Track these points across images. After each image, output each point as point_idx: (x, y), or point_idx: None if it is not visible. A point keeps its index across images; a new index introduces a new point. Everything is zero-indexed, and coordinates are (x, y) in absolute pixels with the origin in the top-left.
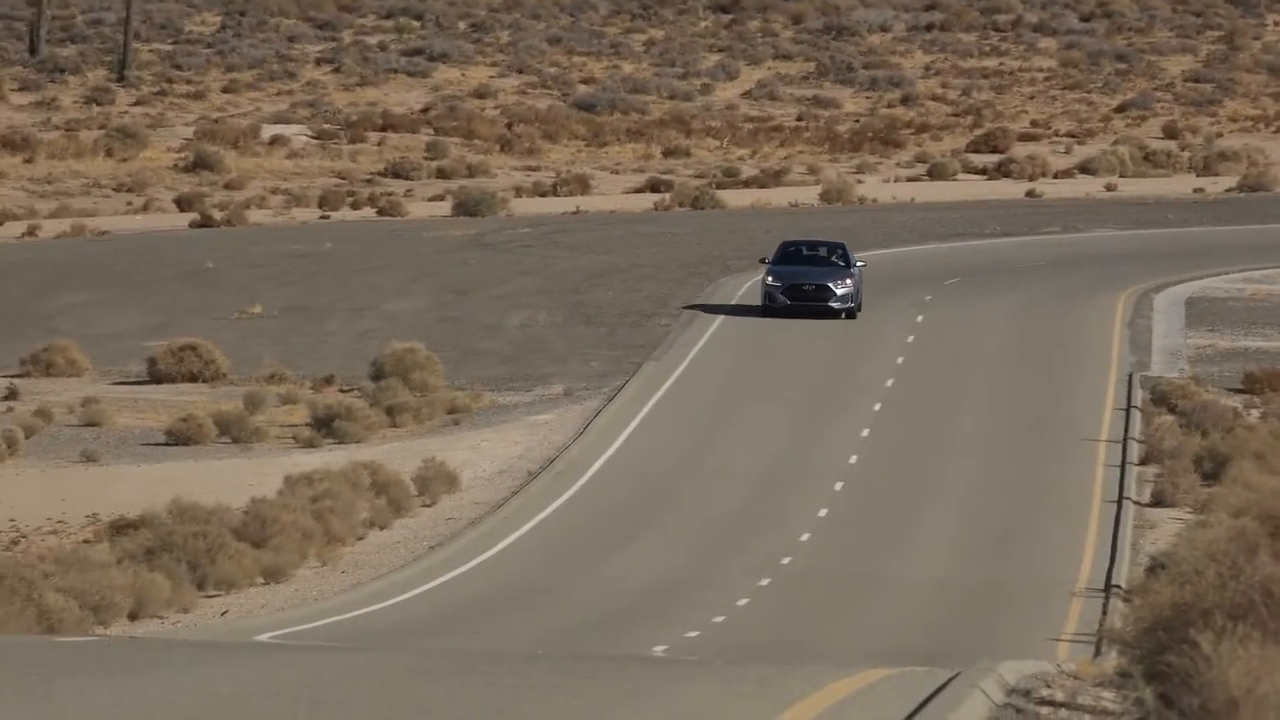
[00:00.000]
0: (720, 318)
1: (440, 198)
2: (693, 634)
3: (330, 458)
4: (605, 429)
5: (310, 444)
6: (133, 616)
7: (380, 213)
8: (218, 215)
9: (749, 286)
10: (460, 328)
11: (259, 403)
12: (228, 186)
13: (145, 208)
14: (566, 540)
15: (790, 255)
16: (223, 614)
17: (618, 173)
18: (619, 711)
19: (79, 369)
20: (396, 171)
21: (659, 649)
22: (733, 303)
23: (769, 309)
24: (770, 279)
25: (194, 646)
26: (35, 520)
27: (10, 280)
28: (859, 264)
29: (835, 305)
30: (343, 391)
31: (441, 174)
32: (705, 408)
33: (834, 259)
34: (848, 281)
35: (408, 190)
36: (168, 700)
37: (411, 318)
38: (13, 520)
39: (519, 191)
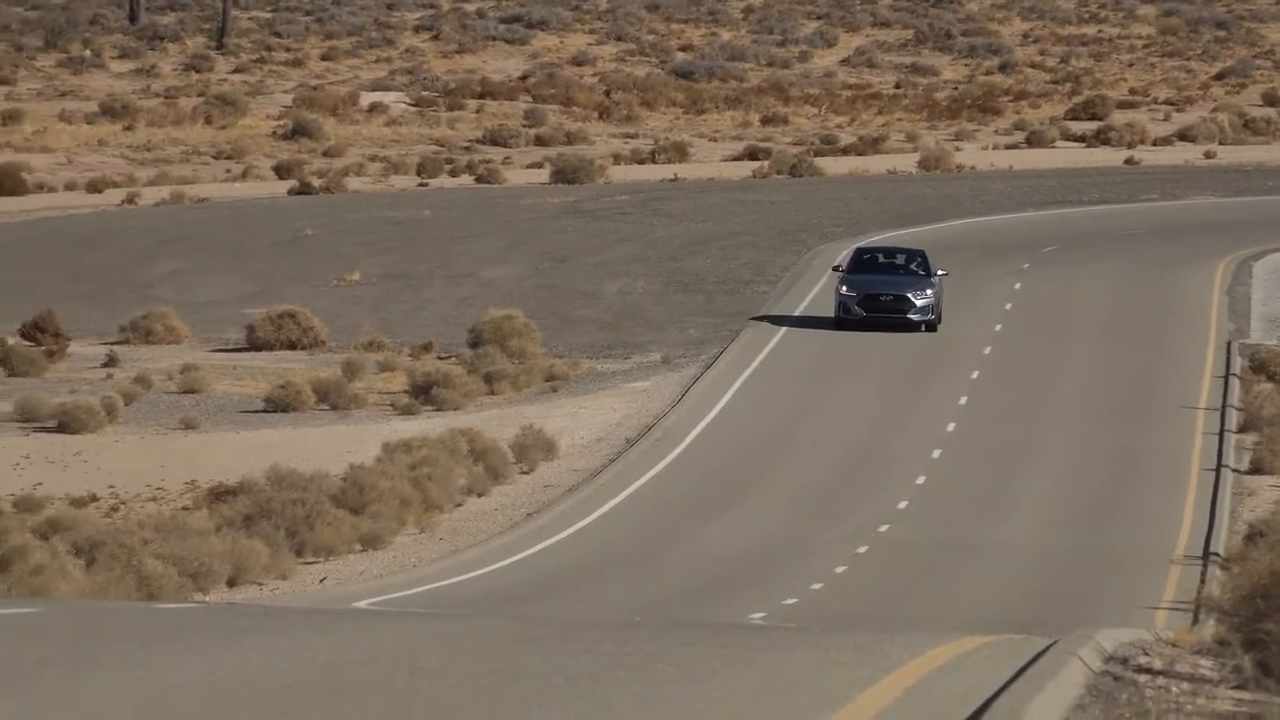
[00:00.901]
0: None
1: (538, 165)
2: (791, 601)
3: (428, 425)
4: (703, 396)
5: (408, 411)
6: (231, 583)
7: (478, 180)
8: (316, 182)
9: (846, 255)
10: (558, 295)
11: (357, 370)
12: (326, 154)
13: (244, 175)
14: (664, 507)
15: (866, 263)
16: (321, 581)
17: (716, 140)
18: (716, 679)
19: (178, 336)
20: (495, 139)
21: (757, 616)
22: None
23: (843, 320)
24: (844, 289)
25: (292, 613)
26: (134, 487)
27: (110, 247)
28: (940, 273)
29: (914, 317)
30: (441, 359)
31: (540, 141)
32: (803, 375)
33: (913, 268)
34: (928, 292)
35: (506, 157)
36: (266, 667)
37: (510, 285)
38: (112, 487)
39: (617, 159)
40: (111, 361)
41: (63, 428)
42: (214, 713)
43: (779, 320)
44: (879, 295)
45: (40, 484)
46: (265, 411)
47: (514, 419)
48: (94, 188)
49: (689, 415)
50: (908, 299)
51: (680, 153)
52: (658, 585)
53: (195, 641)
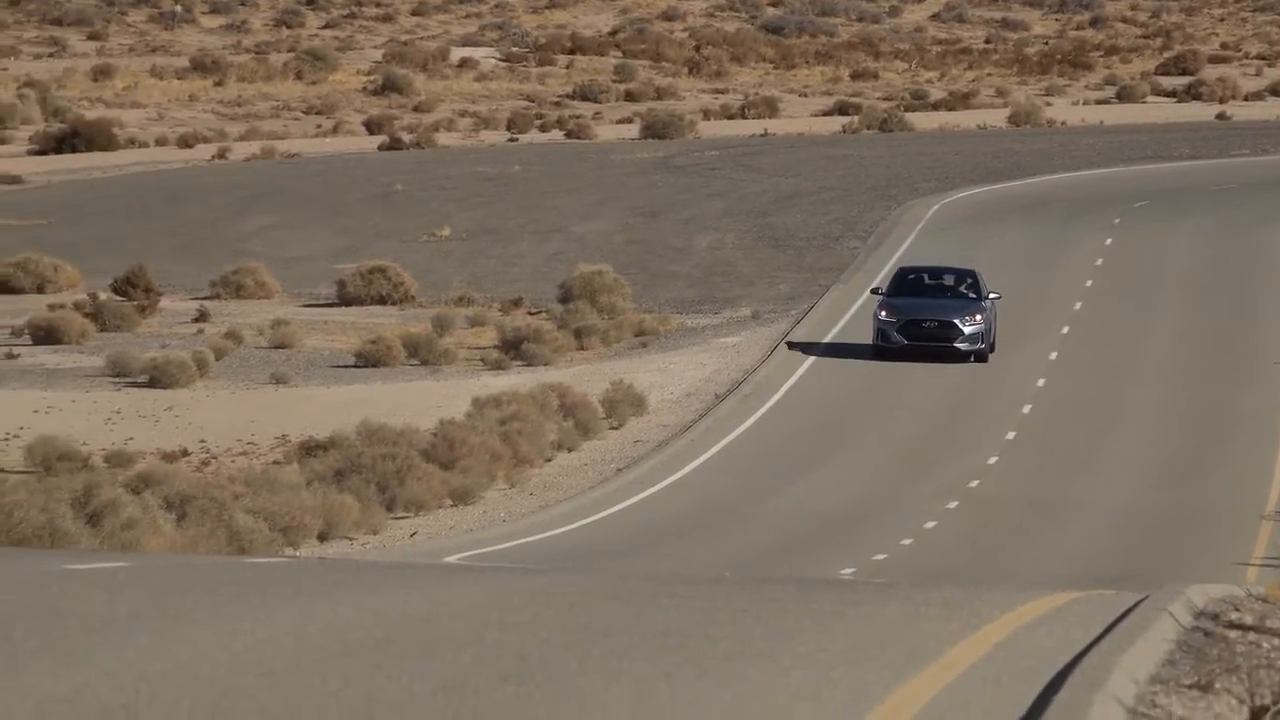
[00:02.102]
0: (908, 240)
1: (628, 120)
2: (880, 557)
3: (518, 380)
4: (793, 352)
5: (498, 366)
6: (322, 538)
7: (568, 135)
8: (406, 138)
9: (936, 211)
10: (648, 250)
11: (447, 325)
12: (416, 109)
13: (334, 130)
14: (754, 463)
15: (909, 285)
16: (411, 535)
17: (805, 95)
18: (806, 634)
19: (269, 291)
20: (584, 94)
21: (846, 572)
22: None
23: (881, 349)
24: (883, 313)
25: (383, 568)
26: (225, 442)
27: (201, 203)
28: (992, 295)
29: (962, 346)
30: (531, 314)
31: (629, 96)
32: None
33: (962, 289)
34: (977, 317)
35: (596, 113)
36: (356, 622)
37: (599, 240)
38: (203, 442)
39: (707, 114)
40: (203, 316)
41: (154, 383)
42: (304, 666)
43: (871, 275)
44: (922, 321)
45: (132, 439)
46: (356, 366)
47: (604, 374)
48: (185, 143)
49: (779, 371)
50: (954, 325)
51: (770, 108)
52: (747, 541)
53: (286, 596)
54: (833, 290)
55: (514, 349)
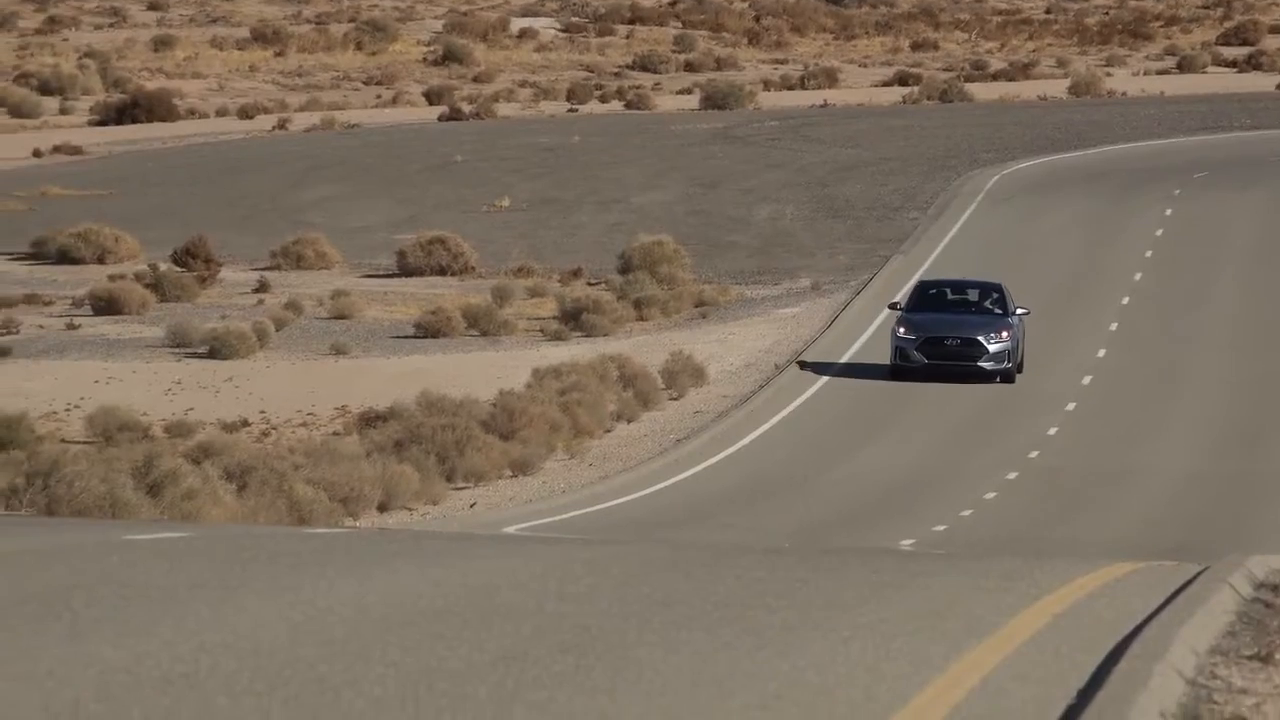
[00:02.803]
0: (968, 211)
1: (688, 91)
2: (940, 528)
3: (578, 350)
4: (852, 322)
5: (558, 337)
6: (382, 508)
7: (628, 106)
8: (466, 108)
9: (996, 181)
10: (708, 221)
11: (507, 296)
12: (476, 80)
13: (394, 101)
14: (814, 433)
15: (930, 300)
16: (471, 506)
17: (865, 66)
18: (865, 605)
19: (329, 261)
20: (644, 64)
21: (906, 543)
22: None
23: (899, 369)
24: (901, 330)
25: (442, 538)
26: (285, 412)
27: (261, 173)
28: (1020, 311)
29: (986, 366)
30: (590, 284)
31: (689, 67)
32: None
33: (987, 305)
34: (1004, 334)
35: (655, 83)
36: (416, 592)
37: (659, 211)
38: (263, 412)
39: (766, 85)
40: (263, 287)
41: (214, 353)
42: (364, 636)
43: (930, 246)
44: (943, 339)
45: (192, 409)
46: (415, 337)
47: (663, 345)
48: (245, 113)
49: (839, 341)
50: (978, 343)
51: (830, 78)
52: (807, 511)
53: (346, 566)
54: (893, 261)
55: (573, 320)
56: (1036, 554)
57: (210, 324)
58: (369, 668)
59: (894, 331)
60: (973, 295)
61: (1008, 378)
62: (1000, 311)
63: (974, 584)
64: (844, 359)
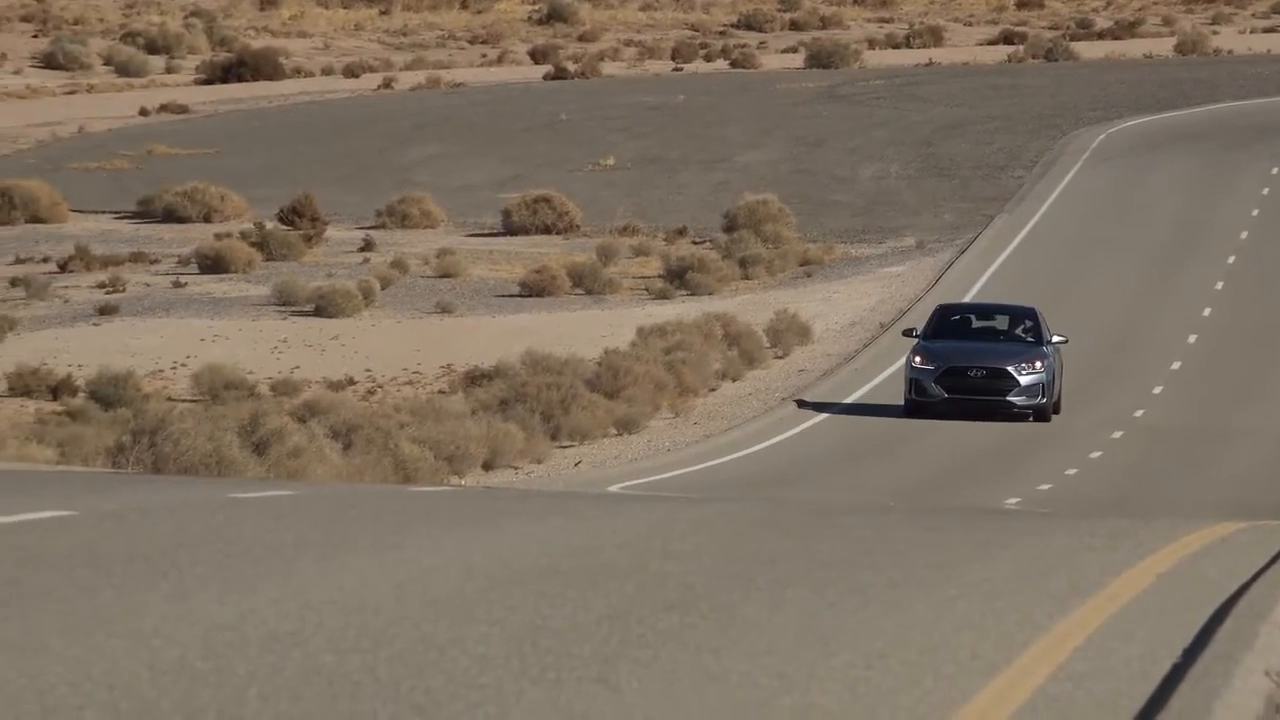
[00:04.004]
0: (1072, 171)
1: (793, 49)
2: (1045, 487)
3: (683, 309)
4: (957, 281)
5: (663, 295)
6: (487, 467)
7: (733, 65)
8: (571, 67)
9: (1101, 140)
10: (813, 180)
11: (612, 254)
12: (581, 39)
13: (500, 60)
14: None
15: (952, 326)
16: (576, 465)
17: (970, 25)
18: (970, 564)
19: (434, 220)
20: (749, 23)
21: (1011, 501)
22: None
23: (915, 406)
24: (917, 360)
25: (547, 497)
26: (391, 371)
27: (367, 132)
28: (1056, 338)
29: (1016, 400)
30: (695, 243)
31: (794, 26)
32: (1057, 260)
33: (1018, 332)
34: (1037, 364)
35: (760, 42)
36: (520, 550)
37: (764, 170)
38: (369, 370)
39: (871, 43)
40: (368, 246)
41: (320, 312)
42: (469, 595)
43: (1036, 205)
44: (966, 370)
45: (298, 367)
46: (520, 296)
47: (768, 303)
48: (350, 72)
49: (943, 300)
50: (1007, 375)
51: (935, 37)
52: (912, 470)
53: (451, 525)
54: (997, 220)
55: (678, 278)
56: (1141, 513)
57: (316, 282)
58: (473, 626)
59: (909, 362)
60: (1001, 322)
61: (1042, 415)
62: (1033, 340)
63: (1079, 543)
64: None
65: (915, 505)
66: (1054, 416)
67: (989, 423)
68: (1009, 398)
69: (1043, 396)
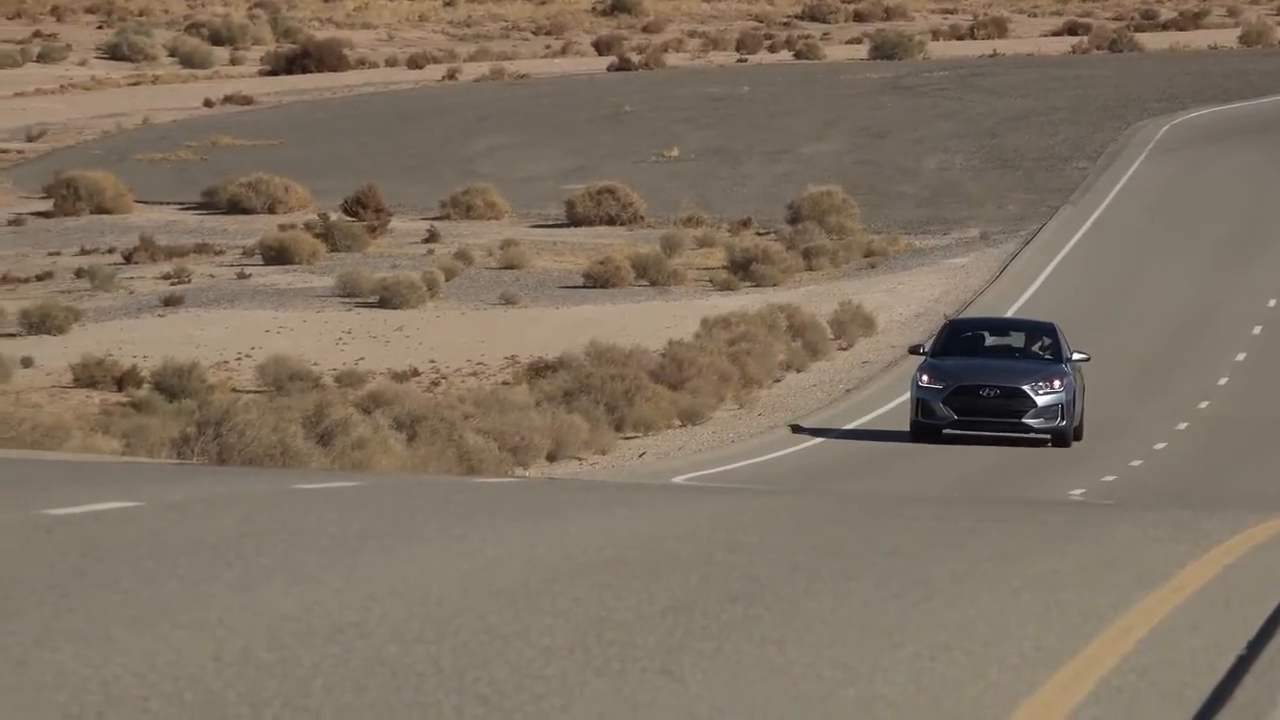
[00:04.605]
0: (1136, 162)
1: (857, 40)
2: (1110, 478)
3: (747, 300)
4: (1021, 273)
5: (727, 287)
6: (551, 458)
7: (797, 56)
8: (635, 58)
9: (1166, 131)
10: (877, 171)
11: (676, 245)
12: (645, 30)
13: (564, 51)
14: None
15: (963, 343)
16: (640, 456)
17: (1035, 15)
18: (1034, 556)
19: (498, 211)
20: (813, 14)
21: (1076, 493)
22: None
23: (921, 429)
24: (924, 378)
25: (612, 488)
26: (455, 362)
27: (431, 123)
28: (1077, 356)
29: (1034, 423)
30: (759, 234)
31: (858, 17)
32: (1122, 252)
33: (1035, 349)
34: (1055, 384)
35: (824, 33)
36: (584, 541)
37: (828, 161)
38: (433, 362)
39: (936, 34)
40: (432, 237)
41: (384, 303)
42: (533, 586)
43: (1100, 197)
44: (978, 389)
45: (362, 358)
46: (584, 287)
47: (832, 295)
48: (414, 63)
49: (1008, 291)
50: (1023, 395)
51: (999, 28)
52: (976, 462)
53: (515, 516)
54: (1062, 211)
55: (743, 269)
56: (1206, 504)
57: (380, 273)
58: (538, 617)
59: (915, 381)
60: (1017, 338)
61: (1061, 439)
62: (1051, 358)
63: (1144, 534)
64: (1015, 307)
65: (979, 497)
66: (1076, 442)
67: None
68: (1025, 420)
69: (1061, 419)
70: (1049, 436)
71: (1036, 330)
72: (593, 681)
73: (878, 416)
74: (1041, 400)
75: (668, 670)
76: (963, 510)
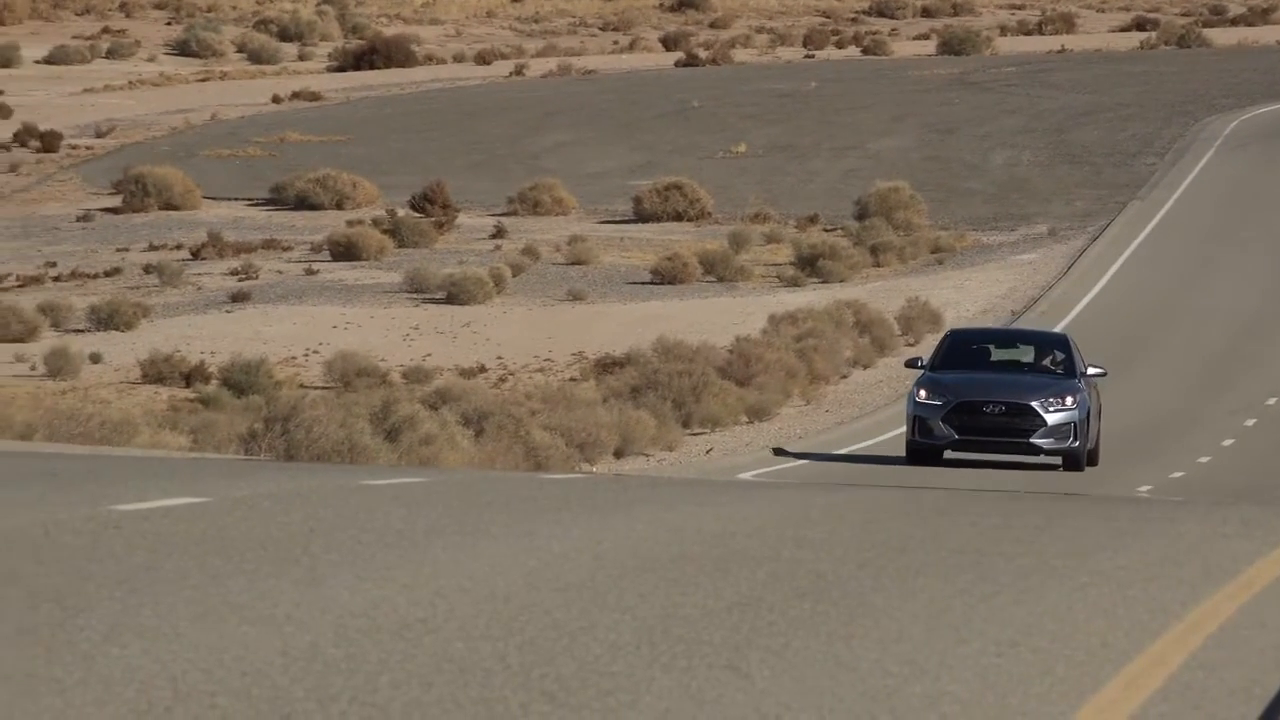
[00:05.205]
0: (1204, 159)
1: (925, 36)
2: (1177, 474)
3: (814, 296)
4: (1089, 268)
5: (794, 283)
6: (618, 454)
7: (864, 51)
8: (703, 54)
9: (1234, 127)
10: (944, 167)
11: (743, 241)
12: (713, 25)
13: (631, 46)
14: None
15: (965, 357)
16: (707, 452)
17: (1103, 11)
18: (1102, 552)
19: (565, 207)
20: (881, 10)
21: (1143, 489)
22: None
23: (918, 450)
24: (922, 393)
25: (679, 484)
26: (522, 358)
27: (498, 119)
28: (1093, 371)
29: (1043, 444)
30: (826, 230)
31: (926, 13)
32: (1189, 247)
33: (1046, 363)
34: (1068, 400)
35: (892, 29)
36: (651, 538)
37: (895, 157)
38: (500, 358)
39: (1003, 30)
40: (499, 233)
41: (451, 299)
42: (600, 582)
43: (1168, 193)
44: (981, 406)
45: (429, 354)
46: (652, 283)
47: (899, 291)
48: (482, 59)
49: (1075, 287)
50: (1031, 412)
51: (1067, 24)
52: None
53: (582, 512)
54: (1130, 207)
55: (810, 266)
56: (1275, 501)
57: (448, 269)
58: (604, 614)
59: (911, 396)
60: (1025, 352)
61: (1074, 462)
62: (1063, 373)
63: (1212, 530)
64: (1081, 304)
65: (1047, 492)
66: (1091, 468)
67: (1125, 407)
68: (1033, 439)
69: (1074, 439)
70: (1062, 459)
71: (1047, 342)
72: (659, 678)
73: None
74: (1052, 418)
75: (734, 666)
76: (1030, 506)
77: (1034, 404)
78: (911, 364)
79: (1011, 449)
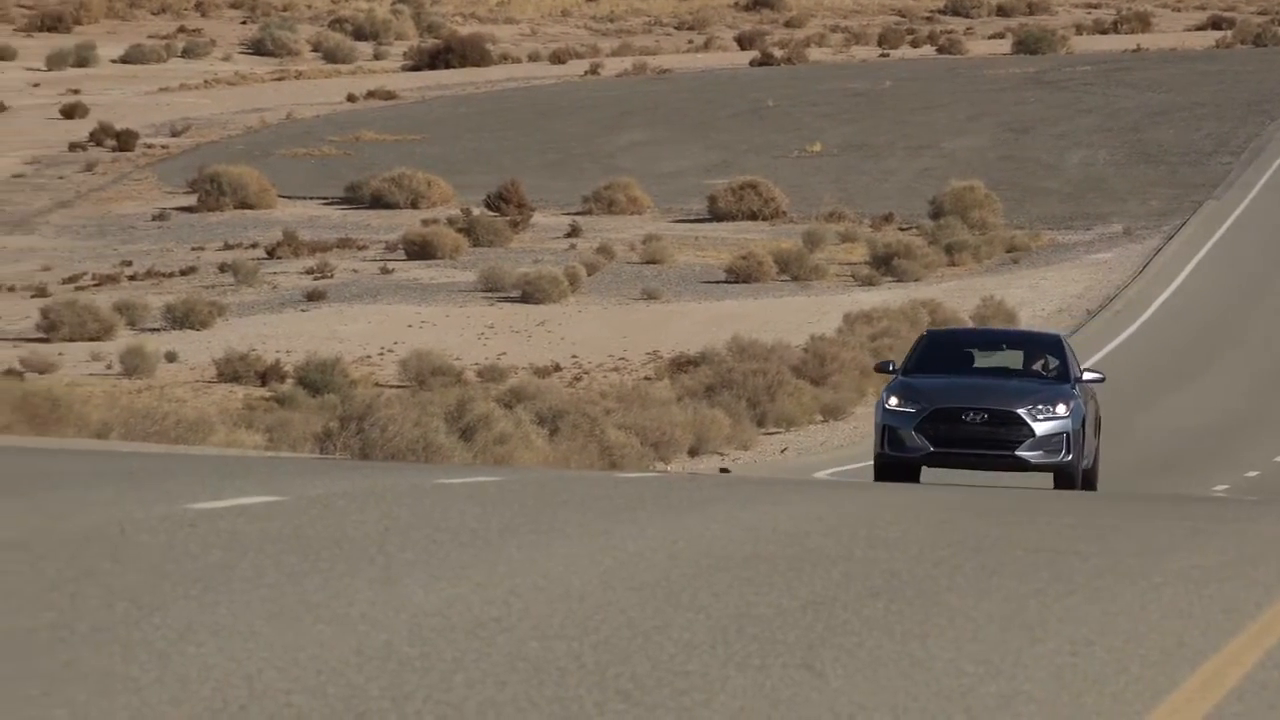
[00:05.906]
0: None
1: (1000, 35)
2: (1253, 474)
3: (889, 295)
4: (1164, 268)
5: (869, 282)
6: (693, 453)
7: (940, 50)
8: (778, 53)
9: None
10: (1019, 166)
11: (818, 240)
12: (788, 24)
13: (706, 46)
14: (1125, 379)
15: (943, 360)
16: (782, 451)
17: (1179, 10)
18: (1178, 551)
19: (640, 206)
20: (956, 9)
21: (1219, 488)
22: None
23: (888, 463)
24: (893, 400)
25: (753, 483)
26: (597, 357)
27: (573, 118)
28: (1089, 376)
29: (1031, 457)
30: (901, 229)
31: (1001, 11)
32: (1264, 246)
33: (1035, 368)
34: (1059, 408)
35: (968, 28)
36: (726, 537)
37: (970, 156)
38: (575, 357)
39: (1079, 29)
40: (574, 231)
41: (526, 298)
42: (674, 581)
43: (1244, 192)
44: (960, 414)
45: (504, 353)
46: (726, 282)
47: (974, 290)
48: (557, 58)
49: (1151, 286)
50: (1016, 420)
51: (1143, 22)
52: (1120, 457)
53: (657, 511)
54: (1205, 206)
55: (885, 265)
56: None
57: (522, 268)
58: (679, 612)
59: (880, 404)
60: (1012, 356)
61: (1066, 478)
62: (1055, 378)
63: None
64: (1157, 303)
65: (1122, 492)
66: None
67: (1200, 407)
68: (1019, 452)
69: (1066, 451)
70: (1055, 475)
71: (1037, 344)
72: (734, 677)
73: None
74: (1041, 428)
75: (809, 665)
76: (1105, 506)
77: (1020, 411)
78: (882, 368)
79: (994, 463)
